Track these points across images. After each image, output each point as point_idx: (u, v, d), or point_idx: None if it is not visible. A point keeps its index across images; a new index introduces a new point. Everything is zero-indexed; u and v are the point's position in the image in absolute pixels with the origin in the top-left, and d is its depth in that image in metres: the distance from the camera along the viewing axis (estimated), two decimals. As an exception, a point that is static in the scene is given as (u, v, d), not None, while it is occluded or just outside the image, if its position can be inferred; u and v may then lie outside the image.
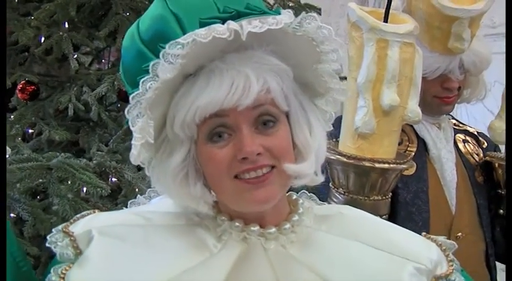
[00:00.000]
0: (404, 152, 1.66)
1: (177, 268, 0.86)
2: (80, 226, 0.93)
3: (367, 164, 1.41)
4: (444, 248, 0.95)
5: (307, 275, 0.87)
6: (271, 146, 0.84)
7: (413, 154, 1.66)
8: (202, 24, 0.79)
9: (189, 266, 0.86)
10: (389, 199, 1.50)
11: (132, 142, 0.84)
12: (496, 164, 1.74)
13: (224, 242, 0.90)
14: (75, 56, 2.18)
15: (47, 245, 0.93)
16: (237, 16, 0.80)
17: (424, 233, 0.98)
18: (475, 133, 1.88)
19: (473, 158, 1.78)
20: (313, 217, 0.94)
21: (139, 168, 2.11)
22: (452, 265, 0.92)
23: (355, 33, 1.43)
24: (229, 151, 0.83)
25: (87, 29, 2.29)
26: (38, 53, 2.17)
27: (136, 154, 0.85)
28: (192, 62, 0.82)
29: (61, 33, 2.17)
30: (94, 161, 1.93)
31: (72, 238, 0.90)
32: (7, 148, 1.01)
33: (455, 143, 1.79)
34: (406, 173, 1.60)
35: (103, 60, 2.42)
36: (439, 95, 1.70)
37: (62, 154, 1.80)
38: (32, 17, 2.16)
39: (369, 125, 1.40)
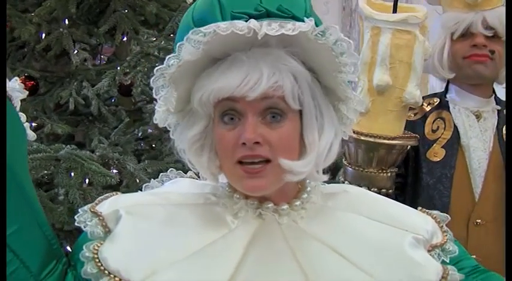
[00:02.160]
0: (438, 138, 1.77)
1: (200, 243, 0.94)
2: (106, 206, 1.01)
3: (376, 140, 1.56)
4: (438, 220, 1.04)
5: (317, 246, 0.96)
6: (271, 139, 0.92)
7: (445, 141, 1.76)
8: (233, 17, 0.88)
9: (211, 240, 0.95)
10: (393, 174, 1.62)
11: (156, 107, 0.95)
12: None
13: (241, 218, 0.98)
14: (76, 51, 2.24)
15: (76, 224, 1.01)
16: (266, 15, 0.89)
17: (419, 208, 1.08)
18: None
19: None
20: (320, 194, 1.03)
21: (139, 160, 2.19)
22: (446, 235, 1.02)
23: (360, 22, 1.61)
24: (235, 134, 0.92)
25: (86, 25, 2.35)
26: (39, 49, 2.23)
27: (160, 119, 0.97)
28: (218, 49, 0.91)
29: (61, 29, 2.23)
30: (97, 153, 2.01)
31: (100, 218, 0.98)
32: (30, 133, 1.08)
33: (501, 131, 1.82)
34: (433, 159, 1.73)
35: (101, 56, 2.48)
36: (467, 54, 1.76)
37: (68, 146, 1.87)
38: (33, 14, 2.23)
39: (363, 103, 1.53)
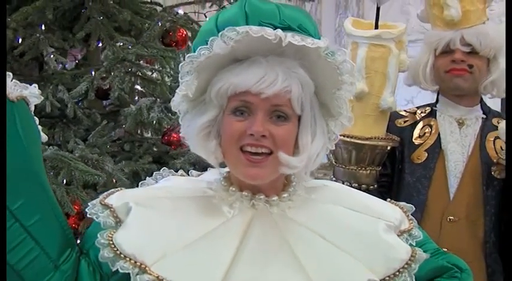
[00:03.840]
0: (423, 143, 1.98)
1: (203, 229, 1.08)
2: (114, 200, 1.13)
3: (351, 140, 1.79)
4: (405, 210, 1.21)
5: (304, 232, 1.11)
6: (276, 134, 1.07)
7: (428, 145, 1.97)
8: (260, 25, 1.03)
9: (212, 227, 1.08)
10: (372, 172, 1.83)
11: (177, 91, 1.09)
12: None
13: (236, 208, 1.12)
14: (52, 56, 2.31)
15: (88, 216, 1.12)
16: (288, 29, 1.04)
17: (388, 199, 1.25)
18: None
19: (497, 154, 1.98)
20: (304, 188, 1.18)
21: (115, 161, 2.28)
22: (412, 223, 1.19)
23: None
24: (244, 125, 1.07)
25: (61, 31, 2.43)
26: (17, 53, 2.29)
27: (176, 103, 1.11)
28: (242, 50, 1.05)
29: (38, 35, 2.30)
30: (76, 154, 2.09)
31: (112, 209, 1.10)
32: (43, 135, 1.18)
33: (484, 138, 2.00)
34: (416, 161, 1.96)
35: (77, 61, 2.56)
36: (447, 68, 1.97)
37: (51, 147, 1.95)
38: (9, 19, 2.29)
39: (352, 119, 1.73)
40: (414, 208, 1.22)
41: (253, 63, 1.06)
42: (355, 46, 1.80)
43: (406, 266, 1.08)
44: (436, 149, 1.99)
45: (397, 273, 1.07)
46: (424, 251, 1.14)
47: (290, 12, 1.06)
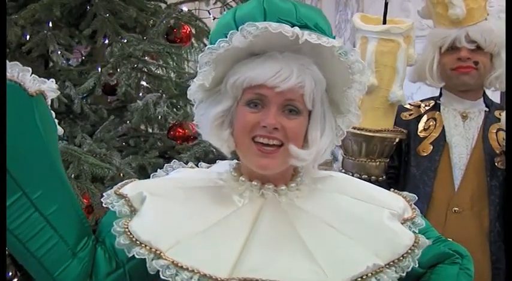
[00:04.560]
0: (428, 136, 2.04)
1: (214, 217, 1.12)
2: (128, 190, 1.17)
3: (361, 132, 1.83)
4: (408, 199, 1.26)
5: (311, 220, 1.15)
6: (288, 127, 1.12)
7: (434, 138, 2.03)
8: (279, 22, 1.07)
9: (224, 215, 1.13)
10: (381, 164, 1.89)
11: (194, 80, 1.14)
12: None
13: (246, 197, 1.17)
14: (59, 52, 2.35)
15: (104, 205, 1.17)
16: (305, 27, 1.09)
17: (392, 189, 1.29)
18: None
19: (500, 145, 2.04)
20: (311, 179, 1.23)
21: (122, 156, 2.33)
22: (415, 211, 1.24)
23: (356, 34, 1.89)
24: (257, 117, 1.12)
25: (68, 28, 2.47)
26: (25, 50, 2.33)
27: (193, 91, 1.16)
28: (260, 44, 1.10)
29: (45, 31, 2.34)
30: (84, 149, 2.14)
31: (126, 199, 1.14)
32: (59, 128, 1.23)
33: (487, 131, 2.06)
34: (421, 154, 2.02)
35: (83, 57, 2.60)
36: (453, 66, 2.03)
37: (60, 142, 1.99)
38: (17, 16, 2.32)
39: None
40: (417, 198, 1.27)
41: (269, 58, 1.11)
42: (364, 41, 1.85)
43: (409, 251, 1.13)
44: (441, 142, 2.04)
45: (401, 258, 1.12)
46: (426, 238, 1.18)
47: (306, 11, 1.11)
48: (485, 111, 2.10)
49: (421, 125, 2.09)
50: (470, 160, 2.03)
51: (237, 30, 1.09)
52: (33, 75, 1.15)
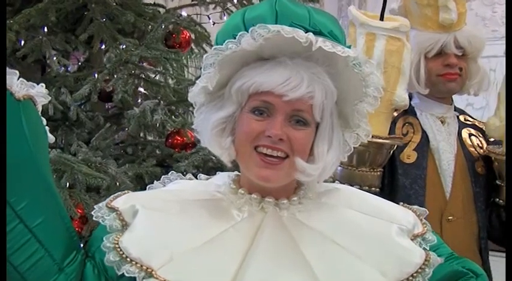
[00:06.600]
0: (409, 142, 1.94)
1: (211, 233, 1.05)
2: (120, 202, 1.10)
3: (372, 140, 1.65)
4: (418, 214, 1.19)
5: (314, 235, 1.08)
6: (294, 138, 1.04)
7: (416, 144, 1.94)
8: (292, 26, 1.00)
9: (221, 230, 1.06)
10: (380, 173, 1.77)
11: (197, 81, 1.06)
12: (493, 158, 1.97)
13: (245, 211, 1.10)
14: (54, 58, 2.29)
15: (94, 219, 1.10)
16: (319, 34, 1.02)
17: (401, 203, 1.22)
18: (483, 128, 2.10)
19: (476, 150, 2.01)
20: (314, 192, 1.16)
21: (119, 164, 2.26)
22: (425, 226, 1.16)
23: (350, 29, 1.74)
24: (262, 125, 1.04)
25: (64, 33, 2.41)
26: (19, 56, 2.27)
27: (194, 94, 1.08)
28: (270, 49, 1.03)
29: (40, 37, 2.28)
30: (79, 157, 2.07)
31: (118, 212, 1.08)
32: (50, 135, 1.15)
33: (460, 136, 2.02)
34: (406, 161, 1.91)
35: (80, 63, 2.54)
36: (441, 72, 1.95)
37: (54, 150, 1.93)
38: (12, 21, 2.26)
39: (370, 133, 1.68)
40: (427, 212, 1.20)
41: (278, 64, 1.04)
42: (371, 38, 1.72)
43: (419, 270, 1.05)
44: (424, 148, 1.96)
45: (411, 278, 1.04)
46: (438, 256, 1.11)
47: (320, 17, 1.05)
48: (457, 116, 2.07)
49: (397, 131, 1.99)
50: (456, 166, 1.97)
51: (244, 30, 1.02)
52: (21, 79, 1.08)
